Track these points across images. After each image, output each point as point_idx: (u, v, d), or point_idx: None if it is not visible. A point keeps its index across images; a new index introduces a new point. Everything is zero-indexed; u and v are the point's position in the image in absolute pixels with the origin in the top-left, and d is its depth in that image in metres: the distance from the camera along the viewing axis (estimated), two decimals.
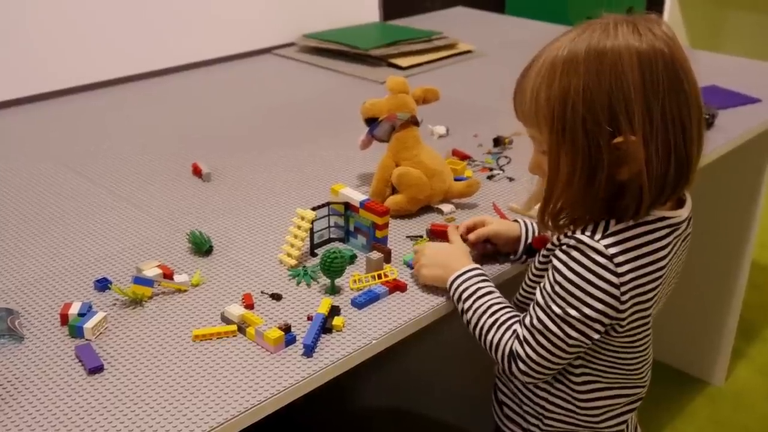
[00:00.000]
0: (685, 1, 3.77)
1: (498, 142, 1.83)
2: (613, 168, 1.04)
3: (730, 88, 2.14)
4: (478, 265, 1.25)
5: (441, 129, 1.89)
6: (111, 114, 2.09)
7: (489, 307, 1.19)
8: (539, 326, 1.11)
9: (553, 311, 1.10)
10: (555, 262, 1.10)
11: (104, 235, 1.45)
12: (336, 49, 2.52)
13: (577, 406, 1.23)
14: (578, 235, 1.08)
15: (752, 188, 2.33)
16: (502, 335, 1.16)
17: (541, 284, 1.13)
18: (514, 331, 1.16)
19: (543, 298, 1.11)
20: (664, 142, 1.02)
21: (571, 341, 1.11)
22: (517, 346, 1.14)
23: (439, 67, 2.44)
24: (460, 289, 1.21)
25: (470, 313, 1.20)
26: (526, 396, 1.28)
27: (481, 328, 1.19)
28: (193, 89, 2.29)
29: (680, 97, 1.02)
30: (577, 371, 1.21)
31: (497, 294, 1.21)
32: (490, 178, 1.67)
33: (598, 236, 1.07)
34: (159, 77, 2.36)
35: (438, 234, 1.41)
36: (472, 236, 1.34)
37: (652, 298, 1.11)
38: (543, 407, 1.26)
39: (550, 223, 1.12)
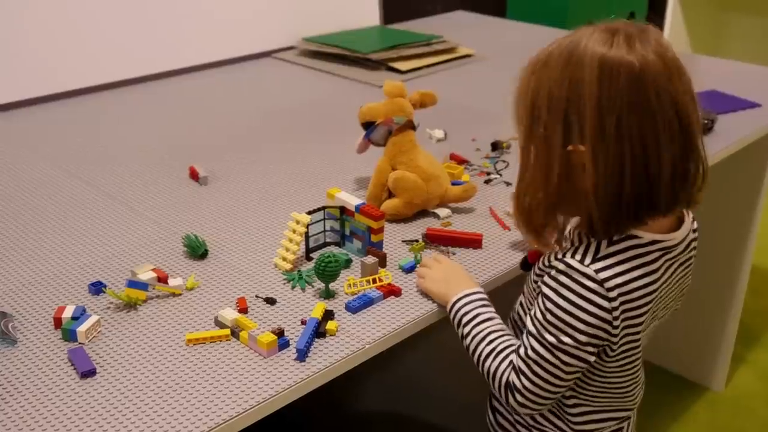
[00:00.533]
0: (687, 5, 3.77)
1: (496, 146, 1.83)
2: (566, 176, 1.04)
3: (730, 93, 2.14)
4: (480, 289, 1.24)
5: (439, 133, 1.89)
6: (110, 117, 2.09)
7: (488, 334, 1.17)
8: (534, 356, 1.09)
9: (546, 340, 1.08)
10: (545, 289, 1.08)
11: (100, 238, 1.45)
12: (336, 52, 2.52)
13: (570, 427, 1.23)
14: (567, 259, 1.06)
15: (752, 193, 2.32)
16: (499, 365, 1.14)
17: (532, 312, 1.11)
18: (511, 361, 1.13)
19: (535, 327, 1.09)
20: (616, 158, 1.00)
21: (567, 368, 1.09)
22: (513, 377, 1.12)
23: (438, 71, 2.44)
24: (461, 312, 1.20)
25: (469, 338, 1.19)
26: None
27: (479, 355, 1.17)
28: (192, 92, 2.29)
29: (644, 114, 0.99)
30: (567, 393, 1.19)
31: (497, 320, 1.20)
32: (487, 182, 1.67)
33: (588, 260, 1.05)
34: (159, 80, 2.36)
35: (434, 239, 1.41)
36: None
37: (641, 323, 1.09)
38: (535, 419, 1.25)
39: (522, 226, 1.12)
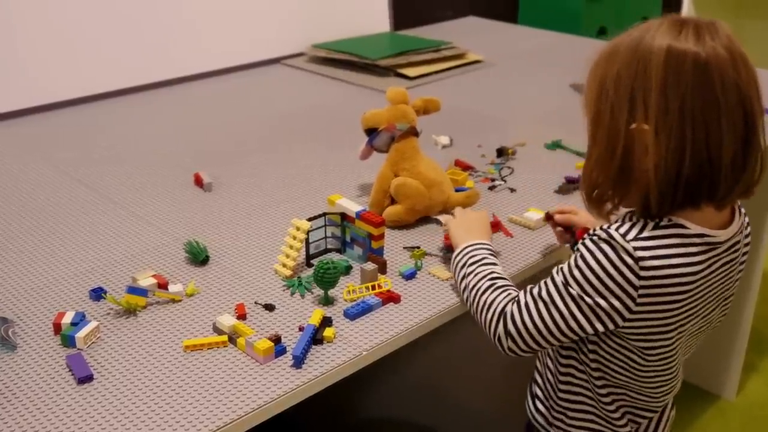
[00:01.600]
0: (702, 11, 3.75)
1: (501, 152, 1.82)
2: (629, 154, 1.07)
3: None
4: (491, 245, 1.31)
5: (445, 139, 1.89)
6: (118, 124, 2.10)
7: (491, 272, 1.23)
8: (547, 298, 1.12)
9: (567, 291, 1.10)
10: (582, 248, 1.11)
11: (103, 245, 1.46)
12: (344, 59, 2.53)
13: (604, 413, 1.23)
14: (611, 230, 1.08)
15: (764, 198, 2.29)
16: (497, 296, 1.19)
17: (562, 264, 1.14)
18: (511, 295, 1.18)
19: (560, 276, 1.12)
20: (678, 138, 1.02)
21: (572, 323, 1.11)
22: (513, 308, 1.16)
23: (447, 77, 2.44)
24: (469, 254, 1.27)
25: (471, 276, 1.24)
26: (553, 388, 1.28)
27: (478, 289, 1.21)
28: (201, 99, 2.30)
29: (708, 100, 1.02)
30: (596, 375, 1.20)
31: (500, 268, 1.25)
32: (491, 188, 1.67)
33: (630, 236, 1.07)
34: (167, 87, 2.37)
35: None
36: (558, 217, 1.39)
37: (673, 309, 1.09)
38: (569, 400, 1.25)
39: (587, 201, 1.15)
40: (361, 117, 1.58)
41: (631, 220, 1.11)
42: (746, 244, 1.19)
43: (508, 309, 1.17)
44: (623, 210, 1.14)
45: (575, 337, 1.15)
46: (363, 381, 2.17)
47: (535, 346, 1.16)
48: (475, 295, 1.22)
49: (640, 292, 1.06)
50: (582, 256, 1.10)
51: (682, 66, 1.02)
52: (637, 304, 1.07)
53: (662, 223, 1.08)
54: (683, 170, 1.04)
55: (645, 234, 1.07)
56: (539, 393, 1.33)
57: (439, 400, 2.10)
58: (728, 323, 2.45)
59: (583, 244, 1.11)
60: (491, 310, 1.19)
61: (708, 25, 1.04)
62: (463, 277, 1.25)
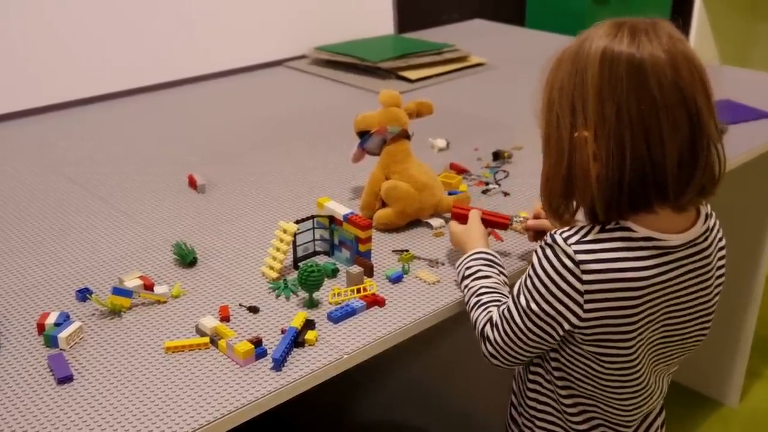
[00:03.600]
0: (714, 15, 3.72)
1: (497, 155, 1.82)
2: (575, 162, 1.07)
3: (749, 104, 2.10)
4: (487, 250, 1.32)
5: (441, 142, 1.88)
6: (120, 125, 2.11)
7: (480, 288, 1.25)
8: (508, 315, 1.16)
9: (520, 302, 1.13)
10: (533, 257, 1.12)
11: (93, 245, 1.46)
12: (346, 61, 2.53)
13: (567, 423, 1.23)
14: (556, 235, 1.09)
15: (765, 203, 2.28)
16: (479, 316, 1.22)
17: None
18: (489, 314, 1.21)
19: (517, 289, 1.15)
20: (618, 143, 1.02)
21: (530, 334, 1.13)
22: (488, 329, 1.20)
23: (448, 79, 2.44)
24: (464, 267, 1.29)
25: (465, 290, 1.28)
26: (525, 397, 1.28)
27: (468, 305, 1.26)
28: (203, 101, 2.31)
29: (645, 103, 1.00)
30: (561, 385, 1.19)
31: (493, 280, 1.26)
32: (485, 192, 1.66)
33: (572, 240, 1.07)
34: (171, 89, 2.38)
35: (459, 217, 1.41)
36: (531, 222, 1.39)
37: (626, 315, 1.07)
38: (536, 410, 1.25)
39: (546, 210, 1.16)
40: (354, 120, 1.58)
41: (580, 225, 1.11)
42: (720, 258, 1.17)
43: (486, 330, 1.20)
44: (582, 217, 1.13)
45: (544, 346, 1.15)
46: (360, 383, 2.17)
47: (515, 360, 1.19)
48: (468, 311, 1.25)
49: (586, 297, 1.06)
50: (531, 264, 1.12)
51: (617, 68, 1.01)
52: (585, 310, 1.07)
53: (608, 227, 1.08)
54: (625, 174, 1.03)
55: (589, 238, 1.07)
56: (514, 400, 1.34)
57: (433, 403, 2.09)
58: (730, 328, 2.44)
59: (535, 251, 1.12)
60: (476, 330, 1.23)
61: (647, 25, 1.04)
62: (462, 289, 1.28)
